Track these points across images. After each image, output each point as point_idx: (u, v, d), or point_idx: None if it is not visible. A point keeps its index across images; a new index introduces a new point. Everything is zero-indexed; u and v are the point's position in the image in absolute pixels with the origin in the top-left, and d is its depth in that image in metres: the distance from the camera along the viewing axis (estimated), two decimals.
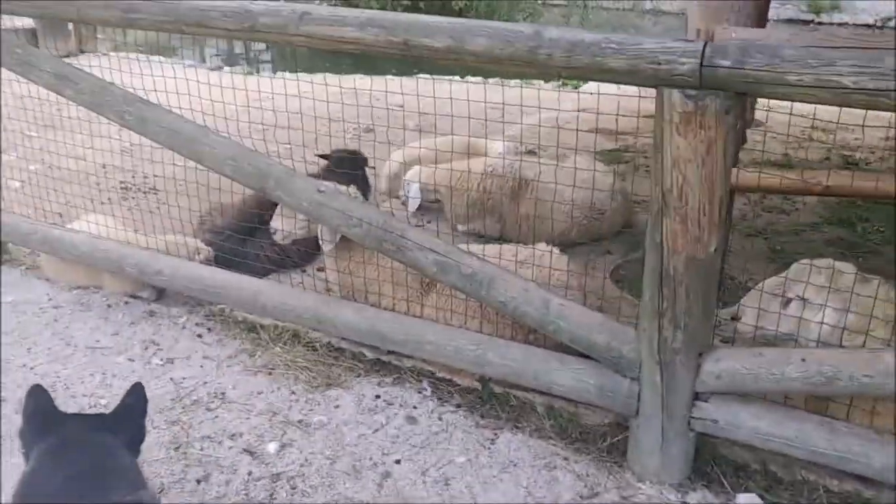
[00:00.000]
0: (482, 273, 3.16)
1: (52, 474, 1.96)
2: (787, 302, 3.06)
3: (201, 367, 3.73)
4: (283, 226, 3.79)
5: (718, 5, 3.78)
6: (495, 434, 3.31)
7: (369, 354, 3.78)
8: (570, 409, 3.39)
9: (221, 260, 4.20)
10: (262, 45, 13.50)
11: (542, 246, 3.76)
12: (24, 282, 4.52)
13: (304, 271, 4.57)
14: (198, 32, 3.42)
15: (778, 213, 5.83)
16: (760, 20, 3.95)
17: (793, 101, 2.48)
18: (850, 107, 2.45)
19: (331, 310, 3.63)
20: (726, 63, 2.49)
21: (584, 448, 3.23)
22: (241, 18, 3.23)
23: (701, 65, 2.51)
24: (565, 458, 3.18)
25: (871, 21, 14.21)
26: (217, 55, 12.45)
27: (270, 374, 3.67)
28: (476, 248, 3.52)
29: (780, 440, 2.83)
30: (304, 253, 4.62)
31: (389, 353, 3.74)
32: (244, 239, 4.39)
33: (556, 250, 3.75)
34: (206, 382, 3.61)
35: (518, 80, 8.03)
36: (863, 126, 2.70)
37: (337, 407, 3.46)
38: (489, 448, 3.23)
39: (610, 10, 14.52)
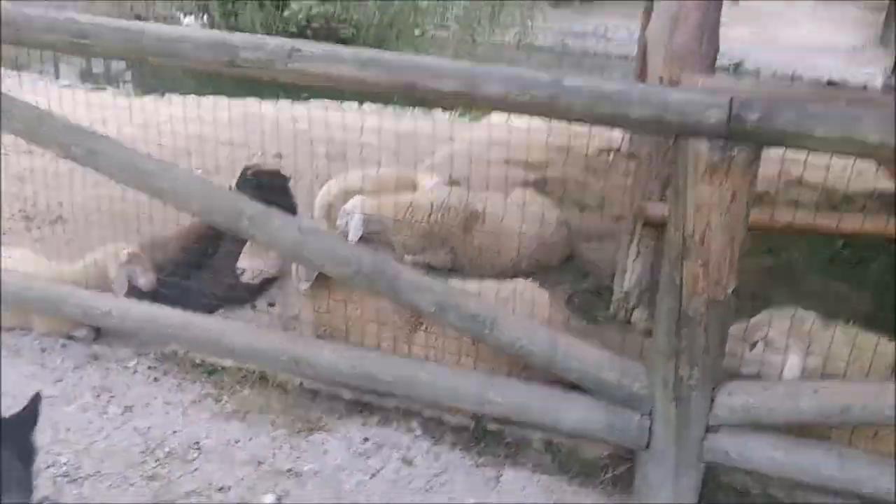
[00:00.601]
0: (484, 313, 3.15)
1: None
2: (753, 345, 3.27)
3: (166, 413, 3.53)
4: (253, 265, 3.61)
5: (684, 54, 3.89)
6: (498, 472, 3.33)
7: (347, 395, 3.70)
8: (569, 443, 3.45)
9: (163, 298, 3.95)
10: (122, 63, 12.62)
11: (521, 281, 3.78)
12: None
13: (254, 307, 4.37)
14: (167, 63, 3.17)
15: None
16: (711, 69, 4.11)
17: (813, 151, 2.61)
18: (870, 158, 2.61)
19: (309, 350, 3.49)
20: (754, 116, 2.58)
21: (588, 482, 3.32)
22: (218, 52, 3.02)
23: (729, 117, 2.59)
24: (574, 494, 3.25)
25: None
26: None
27: (244, 419, 3.52)
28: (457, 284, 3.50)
29: (794, 469, 3.00)
30: (253, 288, 4.42)
31: (370, 392, 3.66)
32: (187, 275, 4.15)
33: (534, 285, 3.78)
34: (175, 431, 3.41)
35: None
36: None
37: (325, 453, 3.37)
38: (495, 488, 3.25)
39: (485, 44, 14.77)
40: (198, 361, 3.85)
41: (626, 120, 2.70)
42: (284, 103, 7.13)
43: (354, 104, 8.45)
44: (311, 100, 8.26)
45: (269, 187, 4.65)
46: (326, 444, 3.41)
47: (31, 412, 2.19)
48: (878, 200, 6.39)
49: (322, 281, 3.57)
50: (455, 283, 3.45)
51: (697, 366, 2.93)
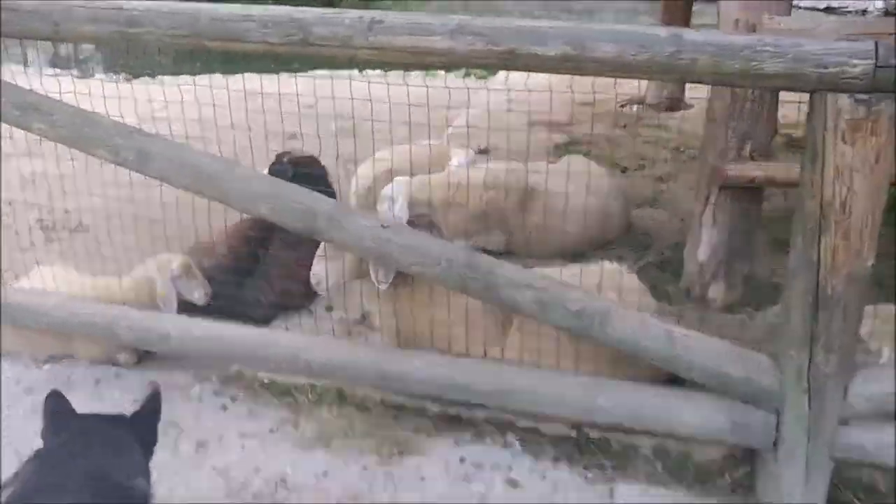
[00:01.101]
0: (592, 308, 2.90)
1: (64, 457, 2.04)
2: None
3: (242, 448, 3.25)
4: (330, 273, 3.34)
5: None
6: (610, 489, 3.05)
7: (433, 408, 3.42)
8: (679, 446, 3.17)
9: (215, 310, 3.70)
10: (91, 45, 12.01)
11: (608, 265, 3.50)
12: None
13: (311, 312, 4.11)
14: (228, 48, 2.95)
15: None
16: (788, 10, 3.88)
17: None
18: None
19: (396, 363, 3.24)
20: None
21: (706, 489, 3.04)
22: (288, 30, 2.79)
23: (875, 66, 2.35)
24: None
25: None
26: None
27: (328, 446, 3.25)
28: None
29: None
30: (310, 291, 4.15)
31: (459, 404, 3.38)
32: (239, 282, 3.90)
33: (620, 267, 3.52)
34: (257, 469, 3.13)
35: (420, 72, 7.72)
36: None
37: (423, 480, 3.09)
38: None
39: None
40: (265, 381, 3.58)
41: (758, 77, 2.47)
42: (284, 77, 6.63)
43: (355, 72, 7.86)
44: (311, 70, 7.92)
45: (306, 176, 4.37)
46: (422, 469, 3.13)
47: (153, 407, 2.30)
48: None
49: (401, 282, 3.32)
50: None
51: (834, 352, 2.68)
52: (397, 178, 4.63)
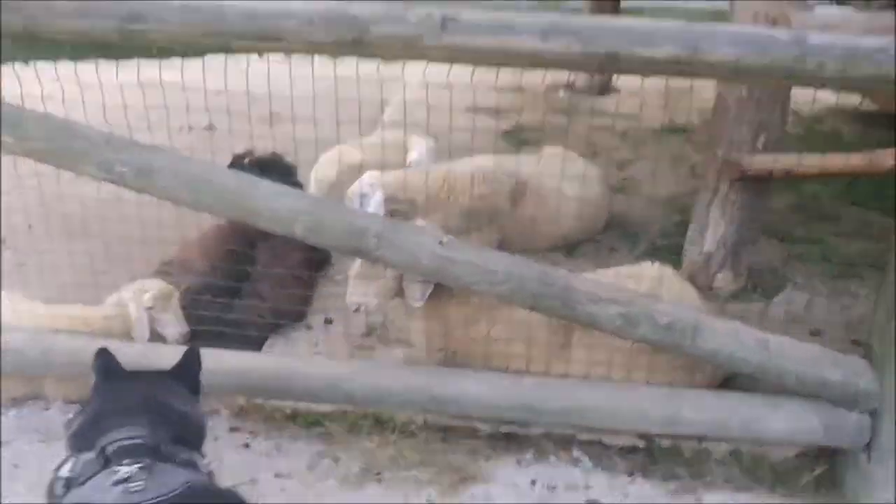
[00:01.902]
0: (682, 321, 2.74)
1: (120, 393, 2.12)
2: None
3: (282, 490, 2.92)
4: (367, 295, 3.01)
5: None
6: (697, 499, 2.95)
7: (484, 427, 3.20)
8: (755, 449, 3.10)
9: (204, 334, 3.30)
10: None
11: (647, 266, 3.34)
12: None
13: (310, 327, 3.76)
14: (262, 48, 2.51)
15: None
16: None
17: None
18: None
19: (448, 385, 2.99)
20: None
21: (789, 492, 2.99)
22: (339, 29, 2.40)
23: None
24: None
25: None
26: None
27: (380, 481, 2.97)
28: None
29: None
30: (307, 300, 3.80)
31: (507, 422, 3.18)
32: (227, 304, 3.49)
33: (666, 267, 3.37)
34: None
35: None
36: None
37: None
38: None
39: None
40: (287, 411, 3.24)
41: (889, 80, 2.31)
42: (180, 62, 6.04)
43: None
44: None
45: (274, 178, 3.96)
46: (493, 498, 2.92)
47: (192, 359, 2.36)
48: None
49: (439, 297, 3.05)
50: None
51: None
52: (371, 173, 4.28)
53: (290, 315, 3.71)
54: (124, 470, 1.77)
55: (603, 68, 2.44)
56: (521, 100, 6.16)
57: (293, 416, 3.23)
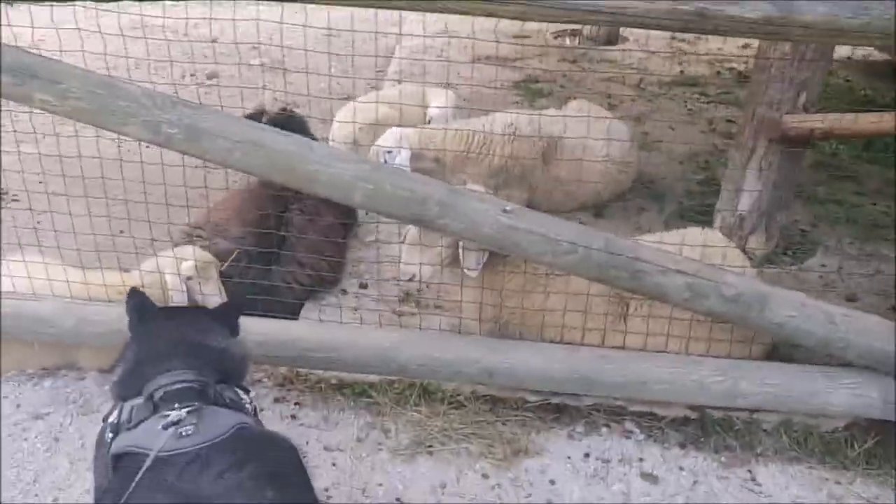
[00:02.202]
0: (750, 293, 2.71)
1: (158, 334, 2.11)
2: None
3: (333, 465, 2.86)
4: (421, 263, 2.92)
5: None
6: (748, 472, 2.95)
7: (532, 398, 3.14)
8: (808, 420, 3.08)
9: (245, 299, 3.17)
10: None
11: (693, 230, 3.28)
12: None
13: (345, 292, 3.65)
14: None
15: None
16: None
17: None
18: None
19: (504, 357, 2.94)
20: None
21: (839, 463, 2.99)
22: None
23: None
24: (837, 483, 2.92)
25: None
26: None
27: (431, 454, 2.92)
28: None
29: None
30: (340, 266, 3.67)
31: (556, 393, 3.13)
32: (267, 264, 3.36)
33: (713, 232, 3.32)
34: (364, 489, 2.77)
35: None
36: None
37: (553, 483, 2.85)
38: (758, 491, 2.86)
39: None
40: (333, 381, 3.16)
41: None
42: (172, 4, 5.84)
43: None
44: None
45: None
46: (548, 472, 2.88)
47: (235, 303, 2.38)
48: None
49: (494, 265, 2.97)
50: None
51: None
52: (396, 130, 4.13)
53: (327, 281, 3.60)
54: (174, 414, 1.76)
55: (688, 28, 2.34)
56: (529, 49, 5.98)
57: (339, 386, 3.15)
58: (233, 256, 3.25)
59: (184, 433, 1.73)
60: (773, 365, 2.94)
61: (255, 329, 2.90)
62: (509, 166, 4.20)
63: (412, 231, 2.97)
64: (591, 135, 4.03)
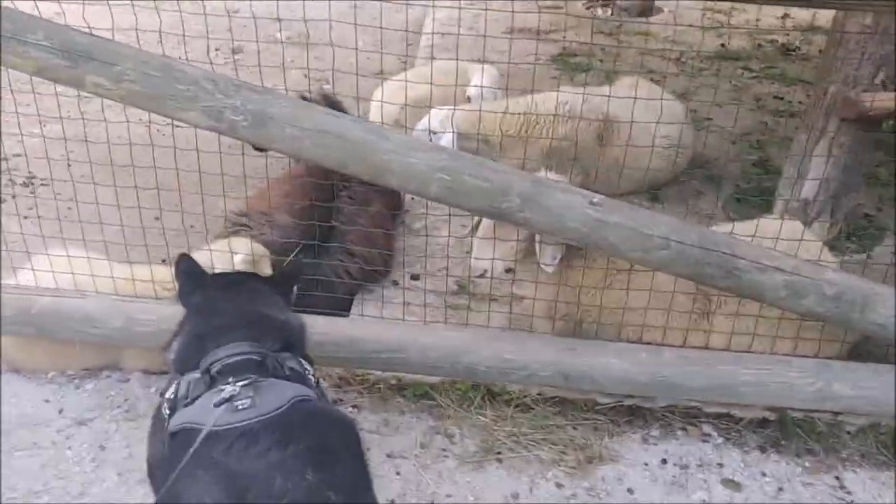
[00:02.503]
0: (852, 291, 2.54)
1: (215, 306, 2.07)
2: None
3: (398, 473, 2.71)
4: (494, 258, 2.74)
5: None
6: (836, 478, 2.80)
7: (604, 399, 2.97)
8: (889, 421, 2.93)
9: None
10: None
11: (773, 221, 3.08)
12: None
13: (396, 283, 3.47)
14: None
15: None
16: None
17: None
18: None
19: (581, 359, 2.77)
20: None
21: None
22: None
23: None
24: None
25: None
26: None
27: (501, 461, 2.76)
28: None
29: None
30: (387, 260, 3.49)
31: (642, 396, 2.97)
32: (317, 256, 3.17)
33: (792, 222, 3.12)
34: (432, 501, 2.61)
35: None
36: None
37: (632, 492, 2.70)
38: (848, 501, 2.71)
39: None
40: (392, 381, 2.99)
41: None
42: None
43: None
44: None
45: None
46: (625, 480, 2.74)
47: (294, 270, 2.36)
48: None
49: (565, 259, 2.80)
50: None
51: None
52: (440, 109, 3.91)
53: (378, 272, 3.41)
54: (228, 389, 1.71)
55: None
56: (562, 20, 5.74)
57: (399, 388, 2.99)
58: (295, 251, 3.07)
59: (239, 407, 1.68)
60: (867, 366, 2.78)
61: (314, 327, 2.73)
62: (561, 148, 3.99)
63: (485, 223, 2.78)
64: (648, 114, 3.82)
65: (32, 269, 2.95)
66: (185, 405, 1.75)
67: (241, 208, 3.28)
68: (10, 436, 2.73)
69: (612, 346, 2.81)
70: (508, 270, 2.94)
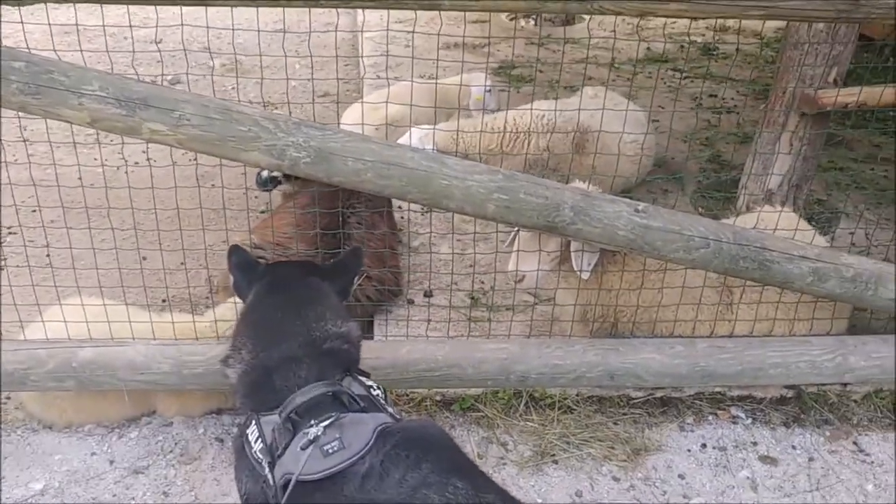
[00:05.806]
0: (867, 272, 2.85)
1: (273, 311, 2.07)
2: None
3: None
4: (531, 266, 2.91)
5: None
6: (854, 444, 3.13)
7: (636, 394, 3.20)
8: (887, 387, 3.27)
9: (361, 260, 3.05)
10: None
11: (771, 213, 3.38)
12: (26, 447, 2.91)
13: (412, 301, 3.59)
14: None
15: None
16: None
17: None
18: None
19: (625, 357, 2.97)
20: None
21: None
22: None
23: None
24: None
25: None
26: None
27: (556, 463, 2.93)
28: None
29: None
30: (398, 281, 3.59)
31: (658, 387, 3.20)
32: None
33: (789, 212, 3.44)
34: None
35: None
36: None
37: (682, 478, 2.94)
38: (870, 462, 3.03)
39: None
40: (437, 398, 3.11)
41: None
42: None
43: None
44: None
45: None
46: (674, 467, 2.97)
47: (353, 261, 2.30)
48: None
49: (608, 264, 3.01)
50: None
51: None
52: (420, 127, 4.05)
53: (392, 293, 3.52)
54: (312, 431, 1.73)
55: (839, 17, 2.41)
56: (487, 32, 5.94)
57: (445, 403, 3.12)
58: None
59: (329, 450, 1.70)
60: (876, 338, 3.10)
61: (370, 353, 2.83)
62: (541, 158, 4.20)
63: (524, 234, 2.94)
64: (616, 121, 4.07)
65: (42, 322, 2.93)
66: (279, 456, 1.76)
67: (254, 240, 3.32)
68: (64, 494, 2.71)
69: (651, 342, 3.03)
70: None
